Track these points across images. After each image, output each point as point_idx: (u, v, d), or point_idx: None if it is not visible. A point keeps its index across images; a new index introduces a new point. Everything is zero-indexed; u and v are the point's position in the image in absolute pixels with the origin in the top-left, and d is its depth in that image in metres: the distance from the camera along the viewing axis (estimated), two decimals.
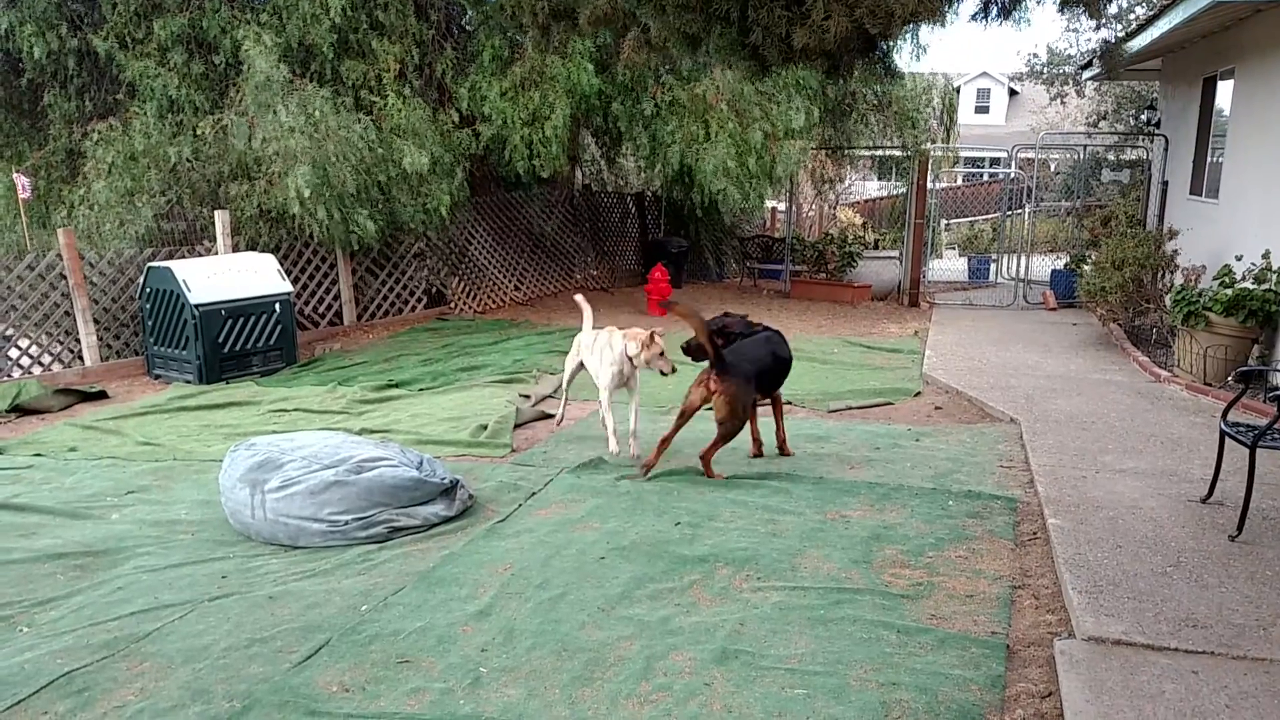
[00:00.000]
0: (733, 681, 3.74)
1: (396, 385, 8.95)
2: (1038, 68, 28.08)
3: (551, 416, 7.72)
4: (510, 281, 14.18)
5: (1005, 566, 4.84)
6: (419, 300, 12.63)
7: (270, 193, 9.88)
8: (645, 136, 12.22)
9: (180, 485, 6.33)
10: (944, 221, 24.93)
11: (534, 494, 5.96)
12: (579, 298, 7.19)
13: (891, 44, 13.63)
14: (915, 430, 7.46)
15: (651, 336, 6.43)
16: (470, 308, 13.20)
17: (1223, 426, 5.33)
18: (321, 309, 11.49)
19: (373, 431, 7.32)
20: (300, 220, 10.04)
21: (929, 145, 15.35)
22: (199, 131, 10.39)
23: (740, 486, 6.06)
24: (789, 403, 8.39)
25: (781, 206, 18.68)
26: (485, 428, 7.39)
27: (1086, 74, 16.55)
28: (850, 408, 8.25)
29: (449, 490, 5.50)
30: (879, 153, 16.76)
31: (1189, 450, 6.61)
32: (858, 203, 25.00)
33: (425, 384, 9.04)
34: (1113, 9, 20.61)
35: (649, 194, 17.75)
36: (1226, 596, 4.29)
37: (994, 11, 4.76)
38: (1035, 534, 5.25)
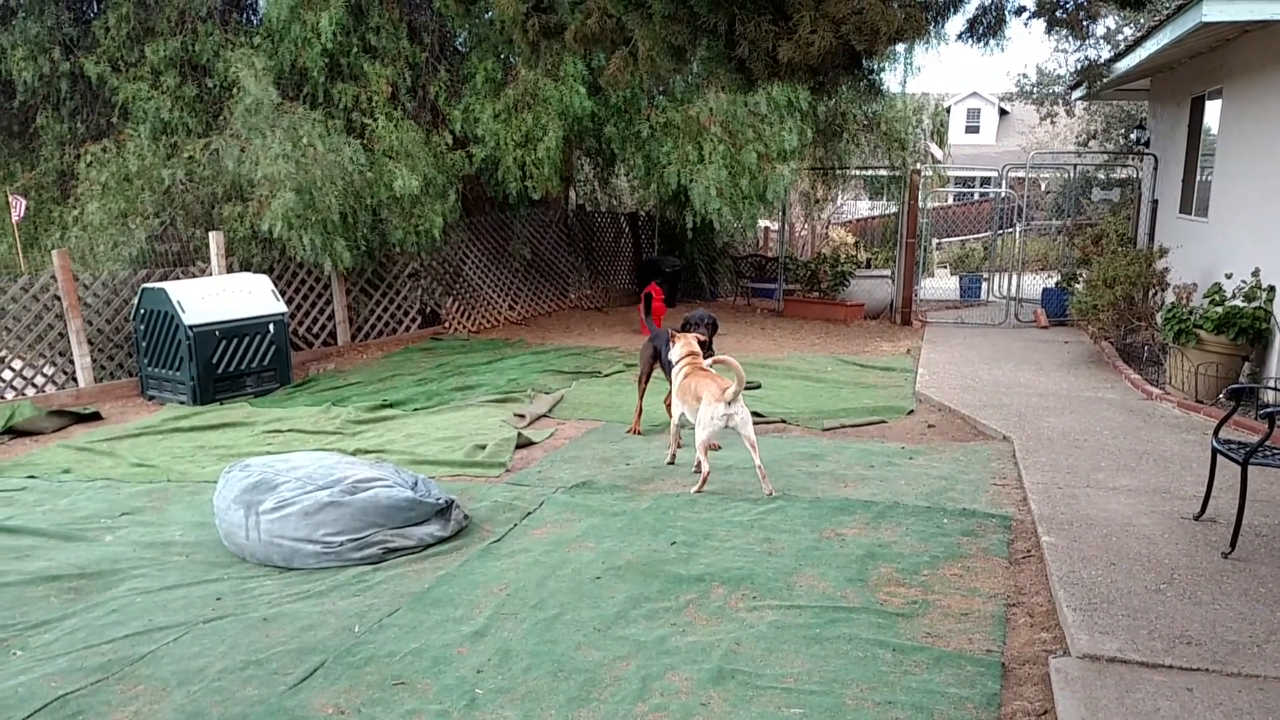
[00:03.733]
0: (729, 701, 3.74)
1: (391, 405, 8.95)
2: (1027, 88, 28.31)
3: (536, 443, 7.70)
4: (504, 301, 14.21)
5: (1000, 584, 4.85)
6: (413, 320, 12.65)
7: (260, 215, 9.91)
8: (639, 158, 12.28)
9: (174, 507, 6.32)
10: (935, 241, 25.04)
11: (529, 514, 5.95)
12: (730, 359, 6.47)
13: (883, 63, 13.77)
14: (909, 448, 7.48)
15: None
16: (465, 327, 13.21)
17: (1214, 444, 5.36)
18: (316, 329, 11.50)
19: (367, 452, 7.32)
20: (286, 244, 10.08)
21: (919, 166, 15.46)
22: (187, 154, 10.42)
23: (736, 505, 6.06)
24: (783, 420, 8.44)
25: (774, 226, 18.75)
26: (483, 448, 7.38)
27: (1075, 94, 16.69)
28: (844, 426, 8.26)
29: (444, 510, 5.50)
30: (869, 173, 16.84)
31: (1181, 467, 6.64)
32: (850, 222, 25.12)
33: (420, 404, 9.04)
34: (1100, 30, 20.79)
35: (642, 214, 17.82)
36: (1220, 613, 4.31)
37: (980, 30, 4.81)
38: (1029, 552, 5.26)
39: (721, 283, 18.27)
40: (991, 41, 4.71)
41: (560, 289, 15.56)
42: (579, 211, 16.82)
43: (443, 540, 5.44)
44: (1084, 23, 4.67)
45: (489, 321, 13.72)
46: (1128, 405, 8.68)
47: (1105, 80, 12.62)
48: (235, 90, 10.23)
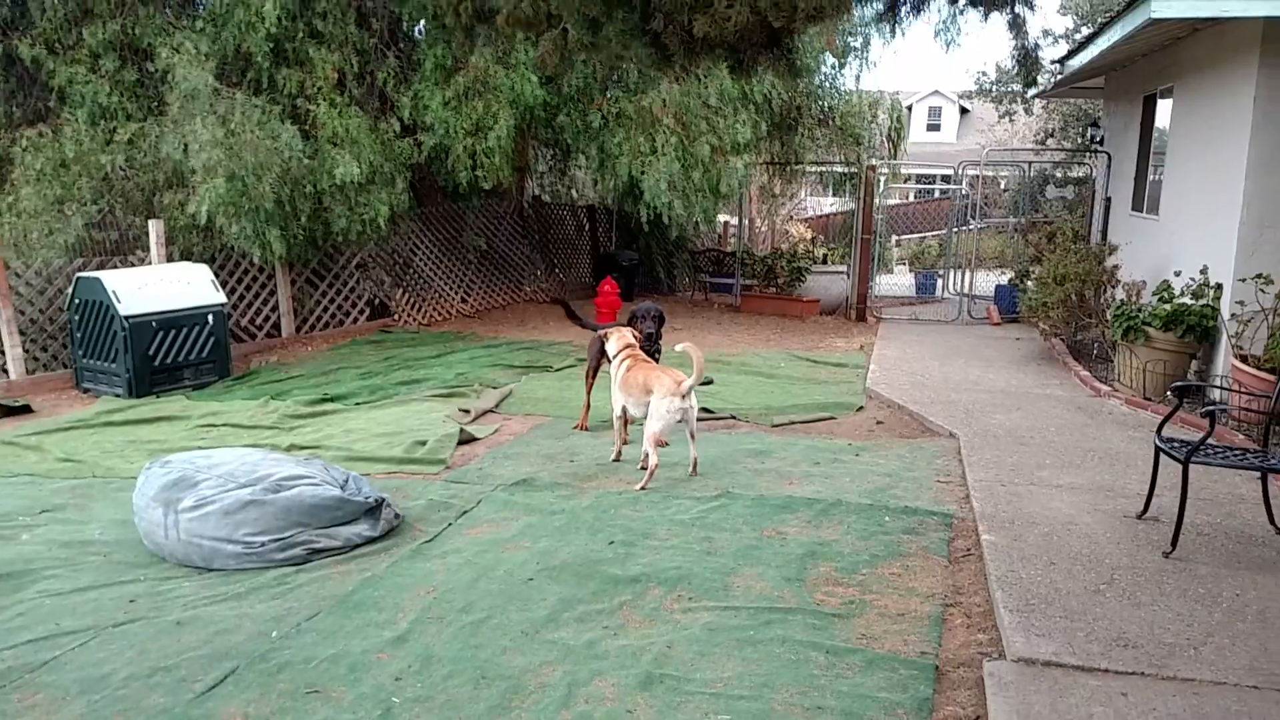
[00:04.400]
0: (655, 708, 3.62)
1: (332, 399, 8.73)
2: (986, 86, 28.43)
3: (480, 439, 7.53)
4: (457, 293, 13.98)
5: (938, 584, 4.77)
6: (361, 312, 12.39)
7: (189, 203, 9.66)
8: (593, 149, 12.12)
9: (98, 504, 6.08)
10: (895, 238, 25.11)
11: (465, 512, 5.79)
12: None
13: (844, 57, 13.61)
14: (856, 445, 7.40)
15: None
16: (415, 320, 12.97)
17: (1157, 442, 5.31)
18: (259, 321, 11.23)
19: (303, 447, 7.11)
20: (219, 232, 9.85)
21: (874, 161, 15.42)
22: (118, 138, 10.13)
23: (678, 503, 5.94)
24: (733, 416, 8.33)
25: (734, 221, 18.65)
26: (424, 444, 7.20)
27: (1031, 91, 16.74)
28: (793, 422, 8.17)
29: (374, 509, 5.32)
30: (825, 168, 16.79)
31: (1126, 465, 6.61)
32: (812, 219, 25.09)
33: (362, 398, 8.83)
34: (1059, 28, 20.87)
35: (601, 206, 17.66)
36: (1158, 615, 4.25)
37: (903, 10, 4.70)
38: (969, 550, 5.18)
39: (679, 277, 18.17)
40: (917, 19, 4.61)
41: (515, 282, 15.35)
42: (535, 203, 16.63)
43: (372, 540, 5.26)
44: (1019, 10, 4.58)
45: (440, 314, 13.49)
46: (1076, 402, 8.67)
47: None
48: (168, 75, 9.94)
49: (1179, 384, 5.77)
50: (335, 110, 10.42)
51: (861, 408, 8.68)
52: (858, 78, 15.48)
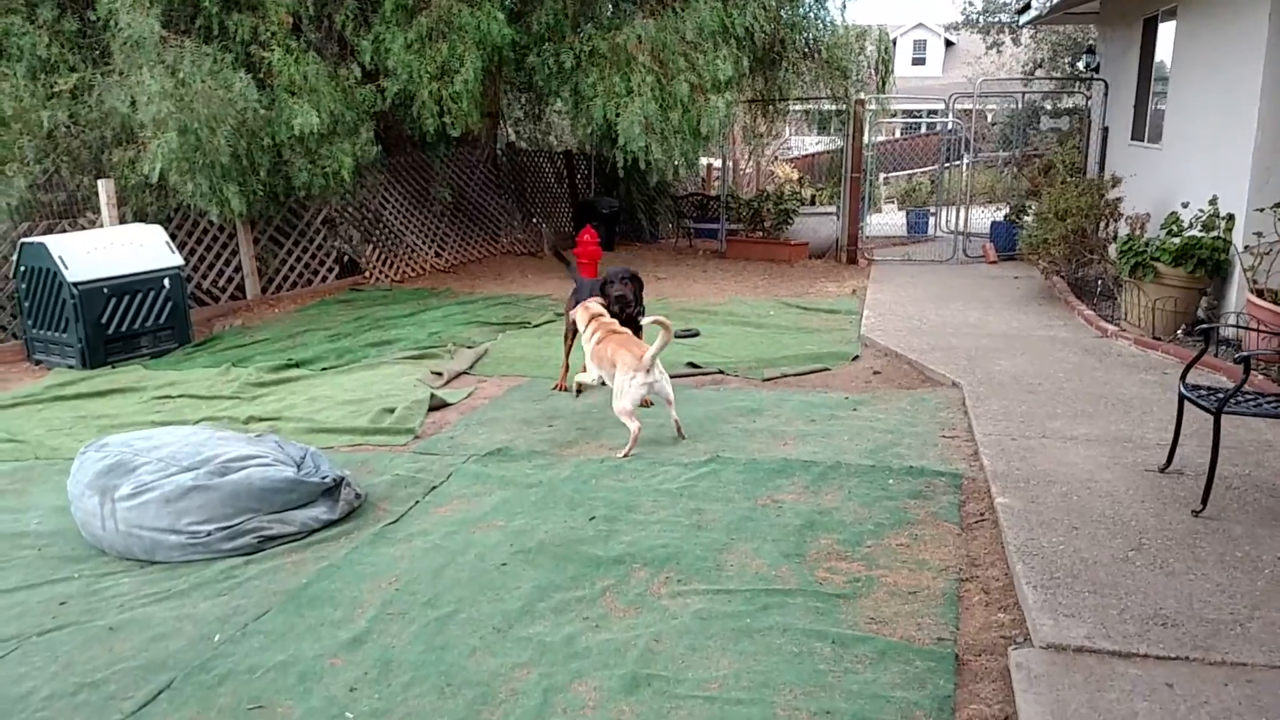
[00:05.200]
0: (642, 717, 3.21)
1: (297, 365, 8.24)
2: (973, 16, 27.62)
3: (452, 405, 7.07)
4: (430, 248, 13.41)
5: (951, 555, 4.35)
6: (330, 270, 11.84)
7: (140, 160, 9.06)
8: (567, 91, 11.49)
9: (39, 489, 5.62)
10: (883, 175, 24.50)
11: (434, 488, 5.34)
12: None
13: None
14: (853, 399, 6.96)
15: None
16: (387, 277, 12.42)
17: (1182, 390, 4.88)
18: (221, 283, 10.68)
19: (261, 419, 6.65)
20: (174, 191, 9.27)
21: (863, 95, 14.81)
22: (59, 88, 9.49)
23: (665, 470, 5.51)
24: (720, 371, 7.89)
25: (718, 164, 18.04)
26: (392, 411, 6.74)
27: (1024, 17, 16.11)
28: (785, 376, 7.72)
29: (332, 490, 4.86)
30: (810, 105, 16.15)
31: (1142, 412, 6.20)
32: (800, 158, 24.45)
33: (329, 362, 8.34)
34: None
35: (579, 152, 17.02)
36: (1196, 585, 3.84)
37: None
38: (983, 515, 4.77)
39: (662, 224, 17.58)
40: None
41: (491, 233, 14.77)
42: (510, 150, 16.00)
43: (330, 524, 4.81)
44: None
45: (414, 270, 12.92)
46: (1082, 344, 8.24)
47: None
48: (110, 24, 9.28)
49: (1204, 325, 5.34)
50: (291, 57, 9.76)
51: (857, 357, 8.23)
52: (842, 8, 14.80)
